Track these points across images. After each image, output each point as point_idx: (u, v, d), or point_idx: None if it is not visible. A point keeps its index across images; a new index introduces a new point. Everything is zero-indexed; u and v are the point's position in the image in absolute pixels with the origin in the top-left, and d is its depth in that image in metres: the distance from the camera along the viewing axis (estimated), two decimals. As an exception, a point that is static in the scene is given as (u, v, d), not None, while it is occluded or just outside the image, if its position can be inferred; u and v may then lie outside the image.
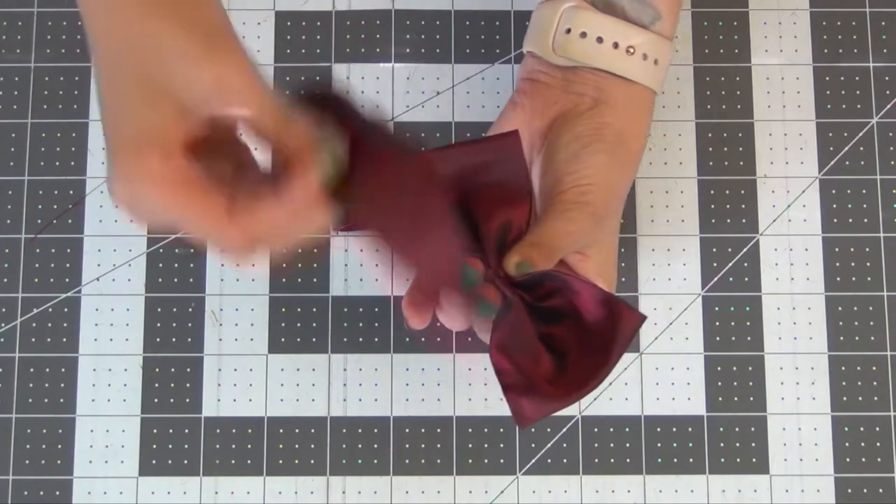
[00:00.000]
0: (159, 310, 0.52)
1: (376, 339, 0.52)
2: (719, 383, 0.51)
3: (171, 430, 0.51)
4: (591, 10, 0.44)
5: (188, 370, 0.52)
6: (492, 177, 0.39)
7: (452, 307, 0.40)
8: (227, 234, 0.33)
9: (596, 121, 0.43)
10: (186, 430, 0.51)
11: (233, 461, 0.51)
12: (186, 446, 0.51)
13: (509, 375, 0.39)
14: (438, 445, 0.51)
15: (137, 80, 0.32)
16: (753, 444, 0.51)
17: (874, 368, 0.52)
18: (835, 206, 0.53)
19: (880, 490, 0.50)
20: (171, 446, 0.51)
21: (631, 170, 0.44)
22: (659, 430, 0.51)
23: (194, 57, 0.32)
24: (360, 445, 0.51)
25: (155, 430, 0.51)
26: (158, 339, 0.52)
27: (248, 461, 0.51)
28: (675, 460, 0.51)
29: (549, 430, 0.51)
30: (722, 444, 0.51)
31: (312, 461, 0.51)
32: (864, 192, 0.53)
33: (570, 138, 0.43)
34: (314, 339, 0.52)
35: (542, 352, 0.39)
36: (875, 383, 0.51)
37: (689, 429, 0.51)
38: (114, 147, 0.32)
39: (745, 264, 0.52)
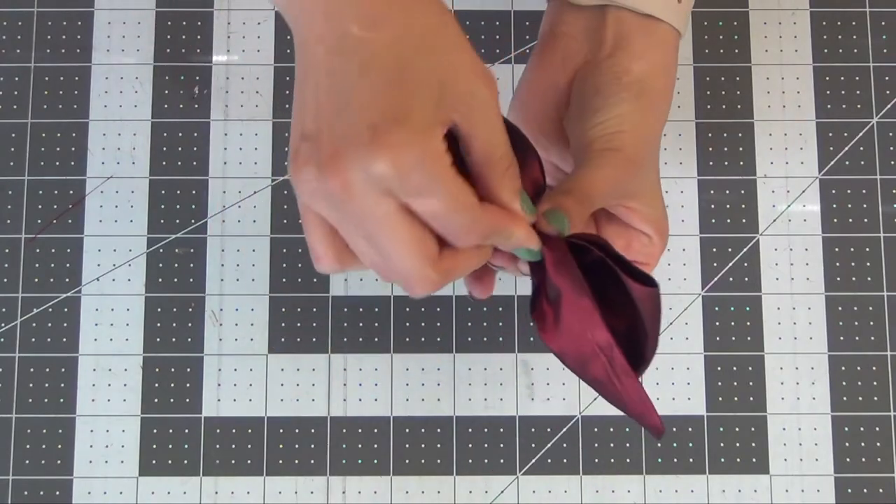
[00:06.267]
0: (159, 310, 0.52)
1: (376, 339, 0.52)
2: (719, 383, 0.51)
3: (171, 430, 0.51)
4: None
5: (188, 370, 0.52)
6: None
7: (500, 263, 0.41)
8: (481, 221, 0.34)
9: (614, 69, 0.43)
10: (186, 430, 0.51)
11: (233, 461, 0.51)
12: (186, 446, 0.51)
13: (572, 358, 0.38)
14: (438, 445, 0.51)
15: (422, 70, 0.33)
16: (753, 444, 0.51)
17: (874, 368, 0.51)
18: (835, 206, 0.53)
19: (880, 490, 0.50)
20: (171, 446, 0.51)
21: (660, 111, 0.44)
22: (659, 430, 0.51)
23: (480, 72, 0.34)
24: (360, 445, 0.51)
25: (155, 430, 0.51)
26: (158, 339, 0.52)
27: (248, 461, 0.51)
28: (675, 460, 0.51)
29: (549, 430, 0.51)
30: (722, 444, 0.51)
31: (312, 461, 0.51)
32: (864, 192, 0.53)
33: (591, 93, 0.43)
34: (314, 339, 0.52)
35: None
36: (875, 383, 0.51)
37: (689, 429, 0.51)
38: (381, 119, 0.32)
39: (745, 264, 0.52)
